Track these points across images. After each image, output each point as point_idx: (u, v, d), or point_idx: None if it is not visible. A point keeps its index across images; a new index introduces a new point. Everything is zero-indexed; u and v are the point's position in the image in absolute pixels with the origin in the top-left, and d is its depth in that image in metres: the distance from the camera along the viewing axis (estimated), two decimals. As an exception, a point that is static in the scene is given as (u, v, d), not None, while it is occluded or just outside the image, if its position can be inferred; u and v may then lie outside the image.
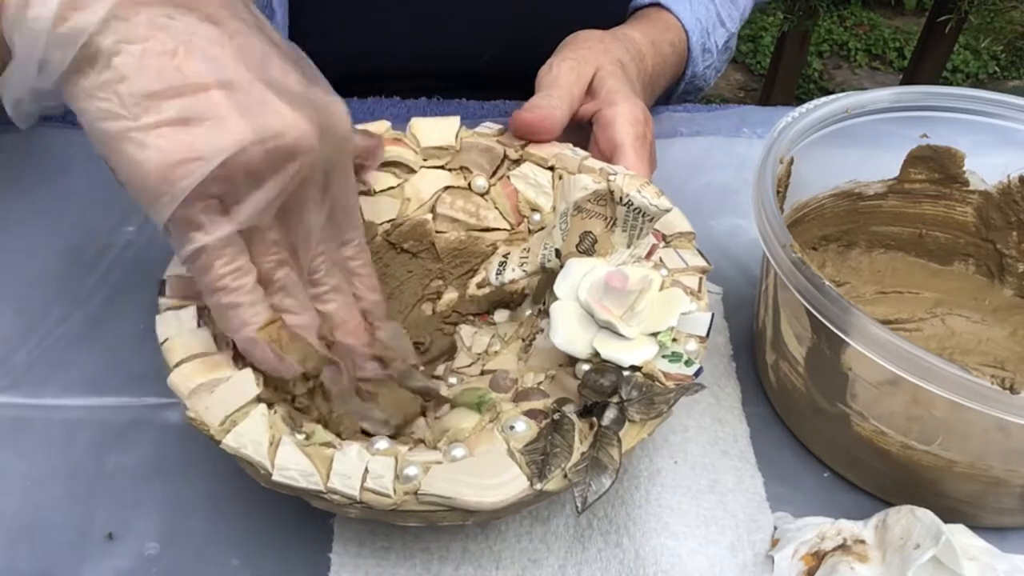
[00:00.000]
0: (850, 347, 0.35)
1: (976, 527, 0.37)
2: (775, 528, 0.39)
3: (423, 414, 0.40)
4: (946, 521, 0.35)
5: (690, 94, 0.68)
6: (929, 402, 0.35)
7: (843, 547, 0.36)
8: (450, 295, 0.45)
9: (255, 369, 0.34)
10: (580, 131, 0.50)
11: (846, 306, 0.35)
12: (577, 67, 0.49)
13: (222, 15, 0.30)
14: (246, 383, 0.33)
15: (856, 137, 0.46)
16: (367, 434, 0.37)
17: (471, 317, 0.44)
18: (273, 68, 0.31)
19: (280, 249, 0.33)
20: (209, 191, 0.29)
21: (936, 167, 0.49)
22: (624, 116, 0.47)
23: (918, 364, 0.33)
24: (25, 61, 0.29)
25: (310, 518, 0.37)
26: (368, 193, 0.45)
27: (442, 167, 0.46)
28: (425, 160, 0.46)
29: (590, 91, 0.50)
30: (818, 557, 0.36)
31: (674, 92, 0.66)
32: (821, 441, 0.42)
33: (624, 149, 0.47)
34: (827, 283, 0.35)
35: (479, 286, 0.42)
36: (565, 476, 0.31)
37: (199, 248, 0.31)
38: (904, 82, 1.62)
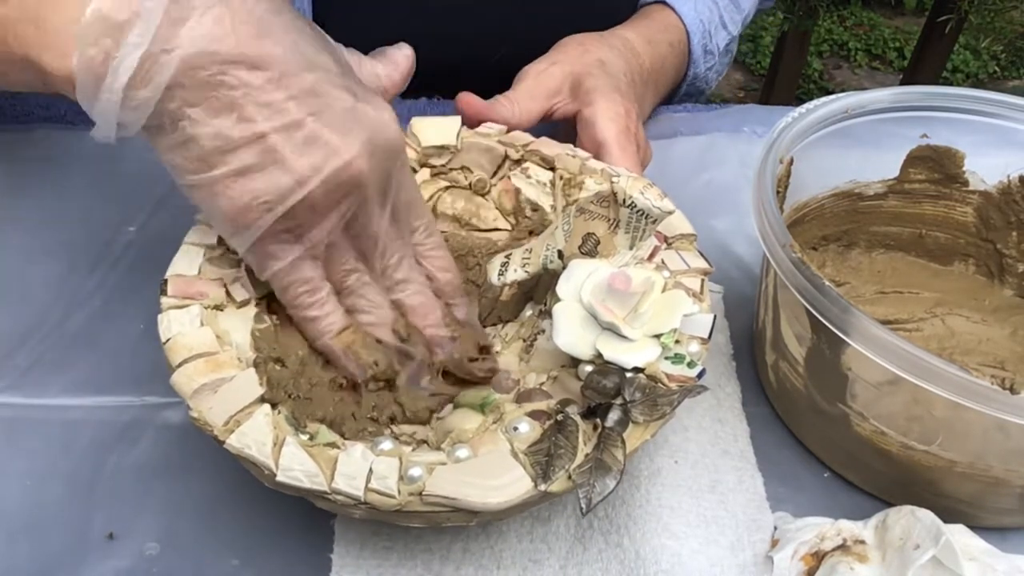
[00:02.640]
0: (850, 347, 0.35)
1: (976, 527, 0.37)
2: (775, 528, 0.39)
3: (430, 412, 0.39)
4: (946, 521, 0.35)
5: (692, 96, 0.68)
6: (929, 402, 0.35)
7: (843, 547, 0.36)
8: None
9: (257, 369, 0.34)
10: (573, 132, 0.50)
11: (846, 306, 0.35)
12: (546, 69, 0.52)
13: (272, 54, 0.32)
14: (249, 383, 0.33)
15: (856, 137, 0.46)
16: (371, 434, 0.37)
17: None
18: (325, 95, 0.33)
19: (348, 257, 0.36)
20: (278, 228, 0.33)
21: (936, 167, 0.49)
22: (604, 113, 0.48)
23: (918, 364, 0.33)
24: (104, 122, 0.32)
25: (311, 518, 0.37)
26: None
27: (443, 167, 0.46)
28: (426, 160, 0.46)
29: (572, 93, 0.51)
30: (818, 557, 0.36)
31: (676, 93, 0.66)
32: (821, 441, 0.42)
33: (608, 146, 0.47)
34: (827, 283, 0.35)
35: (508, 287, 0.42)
36: (569, 477, 0.31)
37: (274, 272, 0.35)
38: (904, 82, 1.62)
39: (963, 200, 0.49)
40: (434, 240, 0.39)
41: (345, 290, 0.37)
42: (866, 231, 0.51)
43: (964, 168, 0.48)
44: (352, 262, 0.37)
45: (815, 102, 0.45)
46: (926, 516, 0.35)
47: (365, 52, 0.43)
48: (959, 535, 0.35)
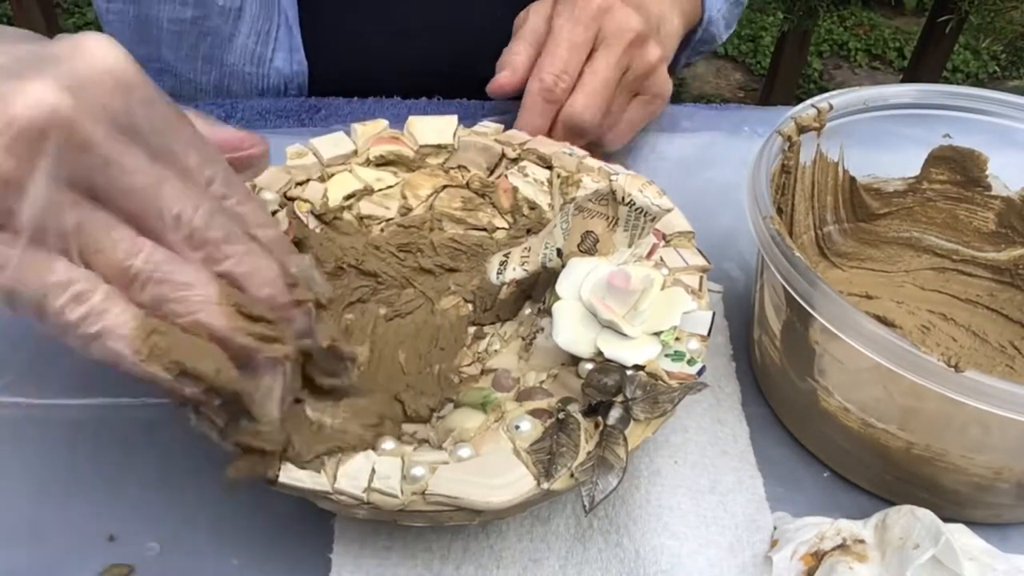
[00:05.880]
0: (817, 321, 0.35)
1: (971, 523, 0.37)
2: (774, 528, 0.39)
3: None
4: (939, 515, 0.35)
5: (705, 44, 0.69)
6: (892, 382, 0.35)
7: (842, 547, 0.36)
8: (456, 300, 0.45)
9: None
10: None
11: (813, 279, 0.35)
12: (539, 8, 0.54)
13: None
14: None
15: (863, 136, 0.46)
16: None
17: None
18: None
19: (119, 234, 0.26)
20: None
21: (959, 169, 0.48)
22: (563, 13, 0.50)
23: (873, 338, 0.33)
24: None
25: (311, 518, 0.37)
26: (368, 192, 0.45)
27: (440, 166, 0.46)
28: (423, 159, 0.46)
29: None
30: (817, 557, 0.36)
31: (691, 38, 0.66)
32: (793, 417, 0.42)
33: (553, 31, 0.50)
34: (797, 254, 0.35)
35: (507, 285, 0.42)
36: (572, 475, 0.31)
37: (9, 291, 0.25)
38: (904, 82, 1.62)
39: (984, 205, 0.49)
40: (239, 191, 0.29)
41: (135, 280, 0.26)
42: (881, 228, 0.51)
43: (988, 172, 0.48)
44: (128, 239, 0.26)
45: (832, 93, 0.46)
46: (926, 516, 0.35)
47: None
48: (958, 535, 0.35)
